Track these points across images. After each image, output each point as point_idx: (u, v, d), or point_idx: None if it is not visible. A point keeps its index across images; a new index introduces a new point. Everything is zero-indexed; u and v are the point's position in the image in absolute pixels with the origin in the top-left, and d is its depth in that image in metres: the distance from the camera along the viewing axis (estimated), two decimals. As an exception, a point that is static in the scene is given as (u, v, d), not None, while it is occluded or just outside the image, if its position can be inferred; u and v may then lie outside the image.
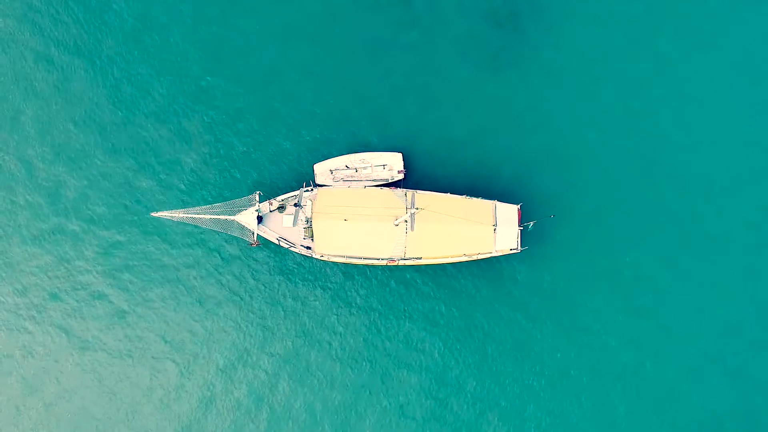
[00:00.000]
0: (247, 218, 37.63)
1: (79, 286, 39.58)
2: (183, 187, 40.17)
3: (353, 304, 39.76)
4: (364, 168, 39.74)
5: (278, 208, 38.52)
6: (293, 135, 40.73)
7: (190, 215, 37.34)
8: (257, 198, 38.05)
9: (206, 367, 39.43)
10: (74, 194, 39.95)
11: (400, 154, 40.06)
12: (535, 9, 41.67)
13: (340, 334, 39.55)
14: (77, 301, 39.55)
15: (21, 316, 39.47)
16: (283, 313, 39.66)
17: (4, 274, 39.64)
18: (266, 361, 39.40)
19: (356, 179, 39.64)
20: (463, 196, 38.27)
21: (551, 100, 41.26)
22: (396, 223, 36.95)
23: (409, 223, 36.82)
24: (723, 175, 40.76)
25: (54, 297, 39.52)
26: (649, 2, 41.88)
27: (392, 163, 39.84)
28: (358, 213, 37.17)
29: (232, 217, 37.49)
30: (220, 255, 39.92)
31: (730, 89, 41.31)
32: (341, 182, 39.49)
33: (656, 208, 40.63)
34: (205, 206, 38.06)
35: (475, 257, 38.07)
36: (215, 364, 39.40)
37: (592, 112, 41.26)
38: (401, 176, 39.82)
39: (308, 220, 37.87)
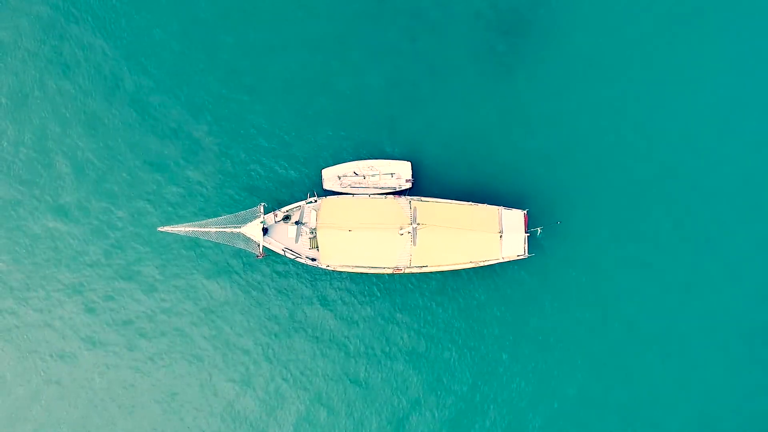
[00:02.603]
0: (252, 230, 37.76)
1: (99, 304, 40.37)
2: (188, 200, 40.45)
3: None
4: (372, 175, 39.54)
5: (283, 218, 38.59)
6: (300, 145, 40.66)
7: (195, 229, 37.60)
8: (262, 209, 38.11)
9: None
10: (80, 206, 40.55)
11: (409, 163, 39.73)
12: (541, 16, 41.03)
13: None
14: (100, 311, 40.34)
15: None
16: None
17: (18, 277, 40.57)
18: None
19: (364, 186, 39.49)
20: (468, 203, 37.98)
21: (557, 106, 40.66)
22: (401, 233, 36.81)
23: (411, 236, 36.65)
24: (737, 180, 40.04)
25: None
26: (657, 8, 41.07)
27: (401, 172, 39.57)
28: (363, 223, 37.09)
29: (237, 230, 37.66)
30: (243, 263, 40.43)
31: (745, 93, 40.47)
32: (348, 188, 39.40)
33: (666, 213, 40.01)
34: (210, 219, 38.29)
35: (481, 264, 37.83)
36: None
37: (598, 117, 40.60)
38: (409, 185, 39.53)
39: (313, 231, 37.92)
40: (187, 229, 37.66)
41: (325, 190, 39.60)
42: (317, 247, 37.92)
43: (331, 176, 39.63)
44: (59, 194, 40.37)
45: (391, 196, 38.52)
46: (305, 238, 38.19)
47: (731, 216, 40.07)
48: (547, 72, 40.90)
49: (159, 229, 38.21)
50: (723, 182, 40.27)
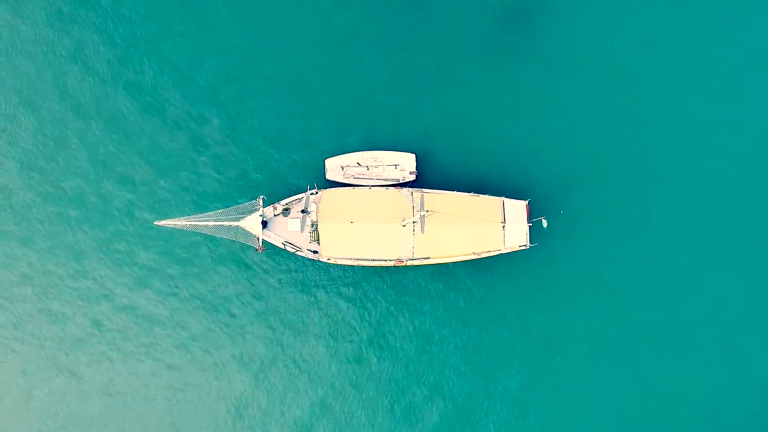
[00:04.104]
0: (251, 223, 37.09)
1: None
2: (187, 193, 39.71)
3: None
4: (376, 166, 38.97)
5: (283, 211, 37.94)
6: (304, 135, 40.05)
7: (193, 222, 36.85)
8: (261, 202, 37.44)
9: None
10: (82, 204, 39.76)
11: (413, 155, 39.17)
12: (545, 7, 40.79)
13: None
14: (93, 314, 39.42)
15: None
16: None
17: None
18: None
19: (367, 177, 38.89)
20: (470, 194, 37.65)
21: (560, 96, 40.48)
22: (404, 224, 36.36)
23: (418, 225, 36.17)
24: (738, 170, 40.12)
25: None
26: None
27: (404, 164, 39.04)
28: (364, 214, 36.58)
29: (236, 223, 36.96)
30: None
31: (744, 87, 40.52)
32: (352, 179, 38.82)
33: (666, 203, 40.02)
34: (208, 213, 37.52)
35: (484, 255, 37.52)
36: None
37: (601, 107, 40.50)
38: (413, 177, 39.00)
39: (314, 224, 37.33)
40: (184, 222, 36.91)
41: (328, 180, 38.98)
42: (318, 240, 37.35)
43: (334, 166, 39.01)
44: (64, 184, 39.70)
45: (393, 187, 38.08)
46: (306, 231, 37.51)
47: (736, 201, 40.10)
48: (549, 63, 40.68)
49: (156, 222, 37.39)
50: (725, 170, 40.26)
